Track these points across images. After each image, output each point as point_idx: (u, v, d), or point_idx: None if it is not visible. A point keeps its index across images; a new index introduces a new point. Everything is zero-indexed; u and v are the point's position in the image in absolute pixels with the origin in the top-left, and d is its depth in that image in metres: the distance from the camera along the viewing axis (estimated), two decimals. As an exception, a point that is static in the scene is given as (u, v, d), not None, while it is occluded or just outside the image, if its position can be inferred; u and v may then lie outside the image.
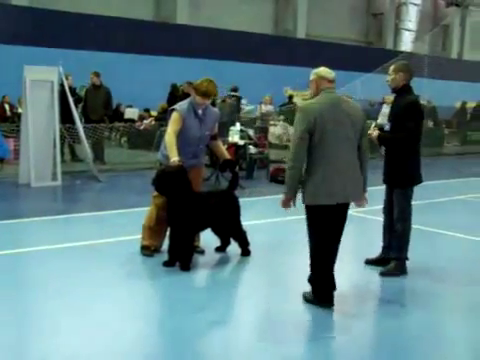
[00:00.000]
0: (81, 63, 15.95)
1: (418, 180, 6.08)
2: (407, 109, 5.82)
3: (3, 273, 5.78)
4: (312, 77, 5.07)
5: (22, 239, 7.24)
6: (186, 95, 14.06)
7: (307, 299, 5.22)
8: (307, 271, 6.10)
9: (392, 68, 6.04)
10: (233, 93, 17.08)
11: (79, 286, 5.45)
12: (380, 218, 6.40)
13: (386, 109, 17.87)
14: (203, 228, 6.33)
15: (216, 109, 6.58)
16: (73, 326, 4.56)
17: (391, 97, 18.88)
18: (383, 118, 17.74)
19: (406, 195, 6.06)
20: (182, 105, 6.28)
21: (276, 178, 12.10)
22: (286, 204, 5.02)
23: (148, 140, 15.99)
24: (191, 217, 5.92)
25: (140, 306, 5.17)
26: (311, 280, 5.17)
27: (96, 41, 19.80)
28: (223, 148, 6.77)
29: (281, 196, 5.05)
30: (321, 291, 5.12)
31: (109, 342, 4.34)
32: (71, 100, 11.57)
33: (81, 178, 11.72)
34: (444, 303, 5.53)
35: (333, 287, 5.11)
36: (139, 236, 6.59)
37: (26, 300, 5.17)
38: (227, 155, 6.65)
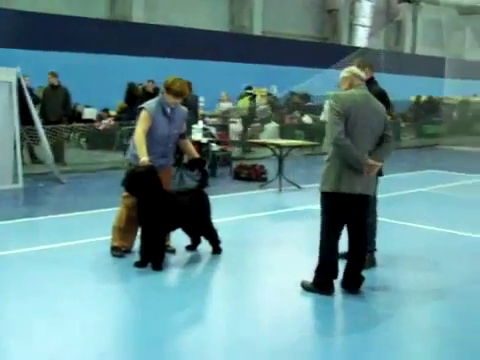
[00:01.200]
0: (38, 63, 15.68)
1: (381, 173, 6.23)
2: (381, 98, 5.96)
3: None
4: (346, 74, 5.42)
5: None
6: (147, 94, 14.04)
7: (307, 287, 5.40)
8: (278, 267, 6.20)
9: (357, 64, 6.18)
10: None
11: (48, 290, 5.36)
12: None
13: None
14: (175, 227, 6.31)
15: (184, 108, 6.56)
16: (43, 331, 4.49)
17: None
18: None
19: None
20: (151, 104, 6.23)
21: (239, 175, 12.14)
22: (372, 169, 5.19)
23: (108, 140, 15.83)
24: (163, 217, 5.90)
25: (113, 308, 5.13)
26: (317, 269, 5.35)
27: (53, 41, 19.48)
28: (192, 146, 6.75)
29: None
30: (324, 279, 5.32)
31: (81, 346, 4.28)
32: (30, 101, 11.36)
33: (42, 180, 11.52)
34: (407, 287, 5.78)
35: (336, 275, 5.35)
36: (108, 237, 6.53)
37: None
38: (196, 154, 6.64)
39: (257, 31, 27.49)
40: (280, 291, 5.55)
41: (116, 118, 16.70)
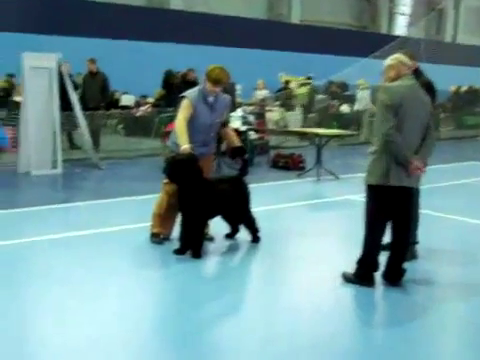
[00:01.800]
0: (78, 50, 15.78)
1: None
2: (428, 89, 5.82)
3: (6, 264, 5.68)
4: (392, 62, 5.22)
5: (25, 229, 7.11)
6: (186, 82, 13.99)
7: (348, 278, 5.34)
8: (317, 257, 6.13)
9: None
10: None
11: (86, 276, 5.38)
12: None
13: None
14: (215, 215, 6.27)
15: (227, 95, 6.50)
16: (81, 318, 4.49)
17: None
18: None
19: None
20: (192, 92, 6.19)
21: (277, 164, 12.06)
22: (419, 167, 5.05)
23: (145, 127, 15.88)
24: (203, 204, 5.87)
25: (151, 296, 5.13)
26: (359, 261, 5.29)
27: (92, 28, 19.60)
28: (233, 135, 6.67)
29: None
30: (366, 271, 5.26)
31: (119, 333, 4.28)
32: (70, 87, 11.43)
33: (80, 166, 11.62)
34: (448, 281, 5.66)
35: (377, 268, 5.28)
36: (145, 224, 6.55)
37: (31, 292, 5.05)
38: (237, 142, 6.58)
39: (295, 19, 27.27)
40: (319, 282, 5.49)
41: (154, 105, 16.72)
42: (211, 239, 6.49)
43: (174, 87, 14.14)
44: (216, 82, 6.10)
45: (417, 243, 6.13)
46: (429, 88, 5.87)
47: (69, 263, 5.74)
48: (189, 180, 5.80)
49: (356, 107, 17.97)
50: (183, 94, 6.21)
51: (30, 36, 17.56)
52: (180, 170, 5.76)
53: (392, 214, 5.25)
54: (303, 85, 17.91)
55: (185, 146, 5.85)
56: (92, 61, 13.58)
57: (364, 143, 16.48)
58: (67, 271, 5.51)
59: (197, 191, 5.84)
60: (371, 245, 5.27)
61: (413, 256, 6.03)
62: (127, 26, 20.47)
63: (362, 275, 5.28)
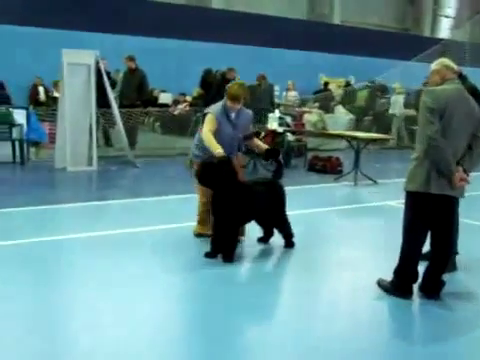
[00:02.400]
0: (115, 47, 15.84)
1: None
2: (473, 95, 5.59)
3: (38, 262, 5.63)
4: (436, 67, 5.07)
5: (62, 225, 7.10)
6: (227, 81, 13.87)
7: (384, 287, 5.17)
8: (353, 264, 5.94)
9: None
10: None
11: (118, 278, 5.27)
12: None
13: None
14: (250, 219, 6.13)
15: (249, 111, 6.49)
16: (110, 319, 4.41)
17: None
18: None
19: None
20: (215, 107, 6.21)
21: (314, 167, 11.87)
22: (462, 179, 4.83)
23: (182, 126, 15.84)
24: (238, 208, 5.73)
25: (180, 299, 5.02)
26: (396, 271, 5.10)
27: (131, 25, 19.66)
28: (260, 142, 6.67)
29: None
30: (403, 282, 5.07)
31: (148, 336, 4.17)
32: (108, 84, 11.42)
33: (116, 164, 11.61)
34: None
35: (416, 279, 5.09)
36: (178, 225, 6.57)
37: (66, 290, 5.00)
38: (265, 146, 6.54)
39: (336, 20, 26.99)
40: (354, 290, 5.29)
41: (191, 104, 16.68)
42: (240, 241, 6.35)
43: (214, 86, 14.04)
44: (234, 99, 6.10)
45: (457, 254, 5.89)
46: (474, 93, 5.63)
47: (101, 263, 5.66)
48: (221, 183, 5.68)
49: (390, 111, 17.68)
50: (207, 110, 6.24)
51: (69, 33, 17.69)
52: (211, 174, 5.64)
53: (432, 223, 5.03)
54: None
55: (218, 150, 5.79)
56: (130, 58, 13.53)
57: (401, 148, 16.24)
58: (99, 271, 5.43)
59: (230, 194, 5.70)
60: (409, 254, 5.06)
61: (453, 267, 5.80)
62: (167, 24, 20.48)
63: (399, 286, 5.07)
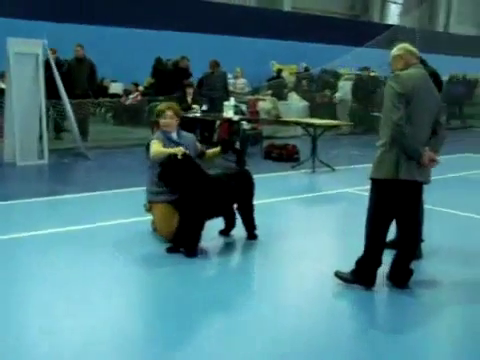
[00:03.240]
0: (64, 36, 15.37)
1: None
2: (434, 80, 5.52)
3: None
4: (399, 52, 4.96)
5: (12, 223, 6.77)
6: (178, 69, 13.59)
7: (344, 278, 5.04)
8: (314, 254, 5.83)
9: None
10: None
11: (72, 277, 5.03)
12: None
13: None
14: (219, 213, 5.97)
15: (189, 134, 6.31)
16: (69, 322, 4.18)
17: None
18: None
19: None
20: (155, 135, 6.08)
21: (270, 155, 11.76)
22: (431, 160, 4.78)
23: (134, 116, 15.55)
24: (206, 202, 5.57)
25: (140, 296, 4.87)
26: (360, 260, 4.98)
27: (80, 14, 19.17)
28: (211, 150, 6.44)
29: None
30: (368, 271, 4.96)
31: (108, 337, 4.00)
32: (57, 74, 11.04)
33: (68, 156, 11.26)
34: (454, 281, 5.34)
35: (379, 265, 4.98)
36: (136, 218, 6.29)
37: (15, 294, 4.70)
38: (217, 149, 6.33)
39: (287, 7, 26.90)
40: (315, 280, 5.21)
41: (143, 94, 16.36)
42: None
43: (166, 74, 13.78)
44: (159, 114, 6.02)
45: (422, 241, 5.85)
46: (435, 78, 5.59)
47: (55, 262, 5.40)
48: (189, 178, 5.49)
49: (337, 95, 17.86)
50: (148, 140, 6.08)
51: (16, 21, 17.11)
52: (178, 170, 5.46)
53: (400, 210, 4.96)
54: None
55: (178, 148, 5.62)
56: (80, 46, 13.09)
57: (354, 133, 16.32)
58: (52, 270, 5.18)
59: (199, 189, 5.54)
60: (374, 243, 4.96)
61: (419, 255, 5.76)
62: (117, 12, 20.04)
63: (363, 275, 4.97)
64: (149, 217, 6.31)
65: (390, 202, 4.88)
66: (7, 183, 9.45)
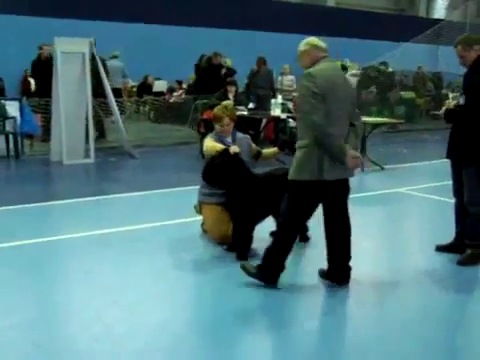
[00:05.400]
0: (108, 34, 15.43)
1: None
2: None
3: (36, 264, 5.27)
4: (305, 47, 4.74)
5: (60, 224, 6.71)
6: (211, 66, 13.36)
7: (248, 271, 4.86)
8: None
9: (464, 40, 5.45)
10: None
11: (121, 280, 4.93)
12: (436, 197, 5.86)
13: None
14: (267, 214, 5.78)
15: (244, 135, 6.16)
16: (120, 327, 4.07)
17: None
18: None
19: (478, 174, 5.48)
20: (209, 136, 5.95)
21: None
22: (356, 161, 4.63)
23: (179, 114, 15.47)
24: (253, 203, 5.40)
25: (195, 302, 4.74)
26: (269, 256, 4.80)
27: (123, 13, 19.23)
28: (267, 150, 6.28)
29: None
30: (276, 269, 4.79)
31: (164, 345, 3.85)
32: (103, 73, 11.00)
33: (113, 155, 11.23)
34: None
35: (283, 268, 4.83)
36: (183, 220, 6.19)
37: (62, 298, 4.62)
38: (275, 150, 6.15)
39: (331, 2, 26.57)
40: (370, 286, 4.99)
41: (188, 91, 16.28)
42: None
43: (200, 71, 13.60)
44: (216, 119, 5.88)
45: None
46: None
47: (102, 264, 5.31)
48: (236, 179, 5.36)
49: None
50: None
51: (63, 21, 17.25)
52: (225, 171, 5.33)
53: (327, 209, 4.82)
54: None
55: (233, 147, 5.48)
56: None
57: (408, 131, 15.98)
58: (100, 274, 5.07)
59: (246, 190, 5.39)
60: (287, 242, 4.77)
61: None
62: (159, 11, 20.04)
63: (268, 274, 4.79)
64: (199, 218, 6.17)
65: (311, 204, 4.72)
66: (55, 183, 9.47)
